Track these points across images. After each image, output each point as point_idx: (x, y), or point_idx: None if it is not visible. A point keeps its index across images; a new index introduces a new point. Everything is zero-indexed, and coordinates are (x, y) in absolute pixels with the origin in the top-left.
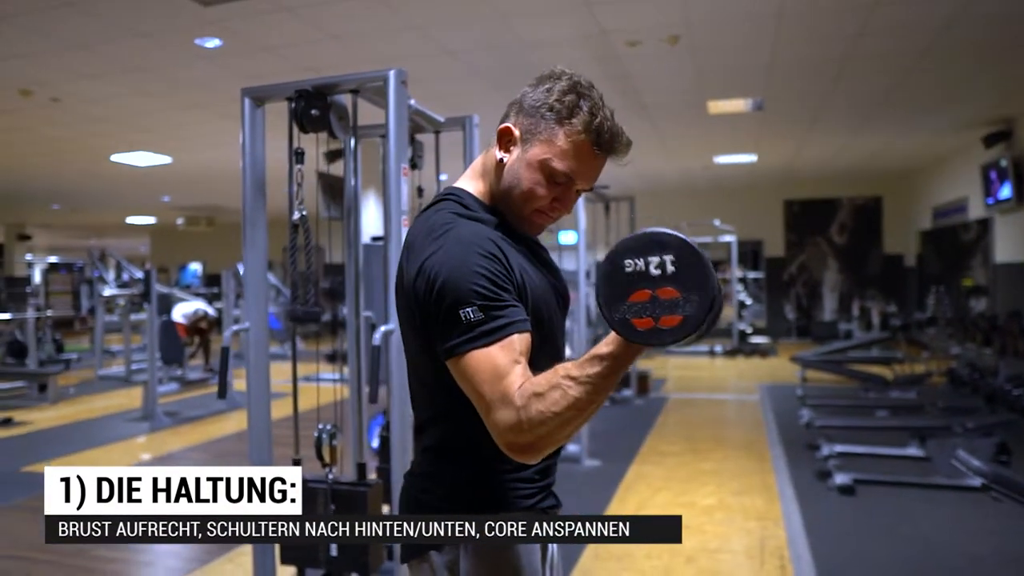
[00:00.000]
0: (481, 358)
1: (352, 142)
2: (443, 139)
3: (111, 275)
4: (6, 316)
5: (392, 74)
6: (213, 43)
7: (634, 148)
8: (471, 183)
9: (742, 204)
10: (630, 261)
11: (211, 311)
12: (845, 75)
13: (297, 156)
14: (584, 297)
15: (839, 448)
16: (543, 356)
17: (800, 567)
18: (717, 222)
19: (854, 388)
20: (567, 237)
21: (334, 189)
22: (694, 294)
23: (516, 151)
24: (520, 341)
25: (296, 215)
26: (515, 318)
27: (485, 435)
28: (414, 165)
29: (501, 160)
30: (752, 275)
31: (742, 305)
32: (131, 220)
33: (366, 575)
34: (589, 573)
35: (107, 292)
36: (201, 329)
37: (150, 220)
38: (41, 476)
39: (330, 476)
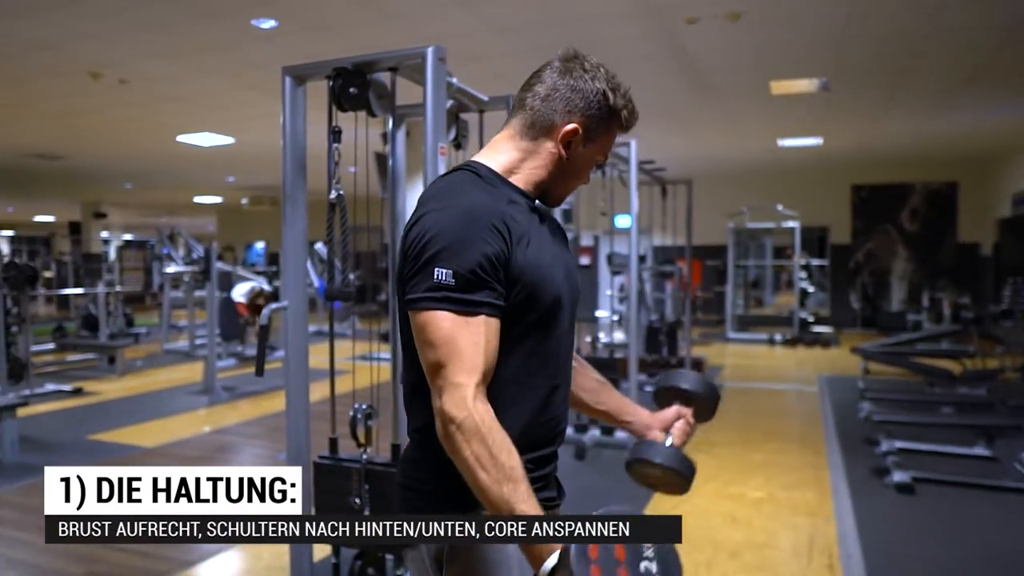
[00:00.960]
0: (445, 324)
1: (391, 121)
2: (489, 119)
3: (180, 253)
4: (77, 291)
5: (430, 51)
6: (269, 24)
7: (694, 129)
8: (491, 157)
9: (807, 188)
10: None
11: (268, 288)
12: (924, 52)
13: (335, 135)
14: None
15: (899, 444)
16: (544, 336)
17: (849, 567)
18: (780, 207)
19: (919, 382)
20: (622, 221)
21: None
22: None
23: (580, 149)
24: (488, 327)
25: (333, 194)
26: (489, 300)
27: None
28: (458, 145)
29: (561, 157)
30: (816, 262)
31: (804, 293)
32: (199, 199)
33: (398, 556)
34: None
35: (170, 269)
36: (259, 306)
37: (217, 200)
38: (104, 444)
39: (364, 456)
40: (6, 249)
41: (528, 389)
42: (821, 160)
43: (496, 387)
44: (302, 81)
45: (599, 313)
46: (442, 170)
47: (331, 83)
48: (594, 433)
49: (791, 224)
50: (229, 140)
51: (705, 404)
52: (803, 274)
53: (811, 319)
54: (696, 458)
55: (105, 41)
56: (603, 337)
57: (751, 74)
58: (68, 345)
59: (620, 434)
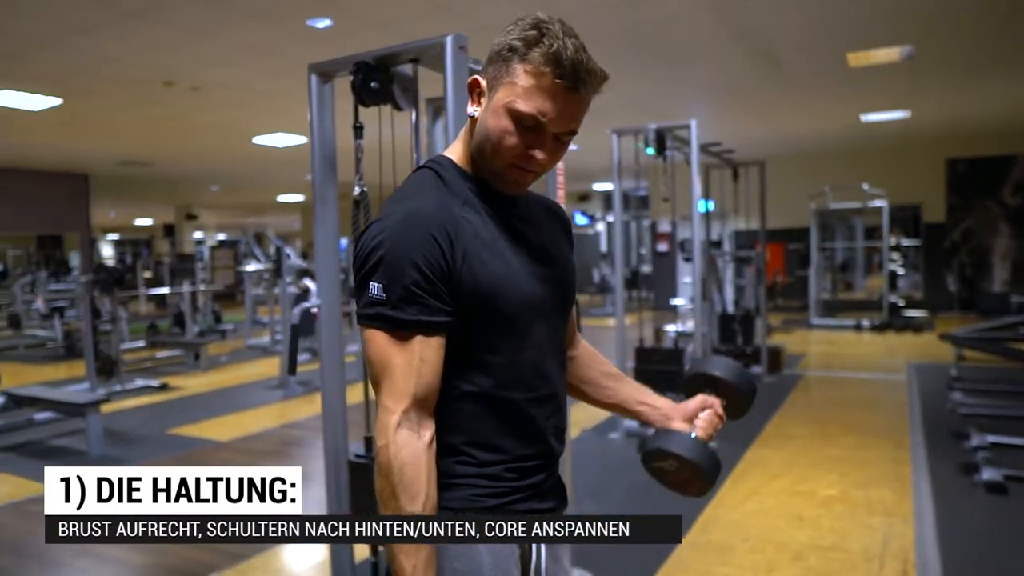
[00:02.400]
0: (379, 342)
1: (414, 114)
2: None
3: (270, 251)
4: (166, 290)
5: (449, 39)
6: (324, 23)
7: (765, 108)
8: (455, 148)
9: (895, 165)
10: None
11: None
12: (1021, 9)
13: (356, 131)
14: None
15: (991, 439)
16: (513, 347)
17: (926, 574)
18: (866, 186)
19: (1019, 370)
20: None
21: None
22: None
23: (484, 102)
24: (423, 346)
25: (357, 191)
26: (423, 317)
27: (439, 418)
28: None
29: (473, 116)
30: (908, 243)
31: (893, 276)
32: (282, 198)
33: None
34: (685, 564)
35: (250, 268)
36: None
37: (299, 198)
38: (182, 438)
39: None
40: (111, 251)
41: (502, 404)
42: (909, 134)
43: (464, 403)
44: (328, 78)
45: (676, 301)
46: None
47: (352, 78)
48: None
49: (879, 203)
50: (302, 139)
51: (738, 395)
52: (895, 255)
53: (902, 303)
54: (766, 453)
55: (169, 51)
56: (677, 327)
57: (824, 46)
58: (158, 342)
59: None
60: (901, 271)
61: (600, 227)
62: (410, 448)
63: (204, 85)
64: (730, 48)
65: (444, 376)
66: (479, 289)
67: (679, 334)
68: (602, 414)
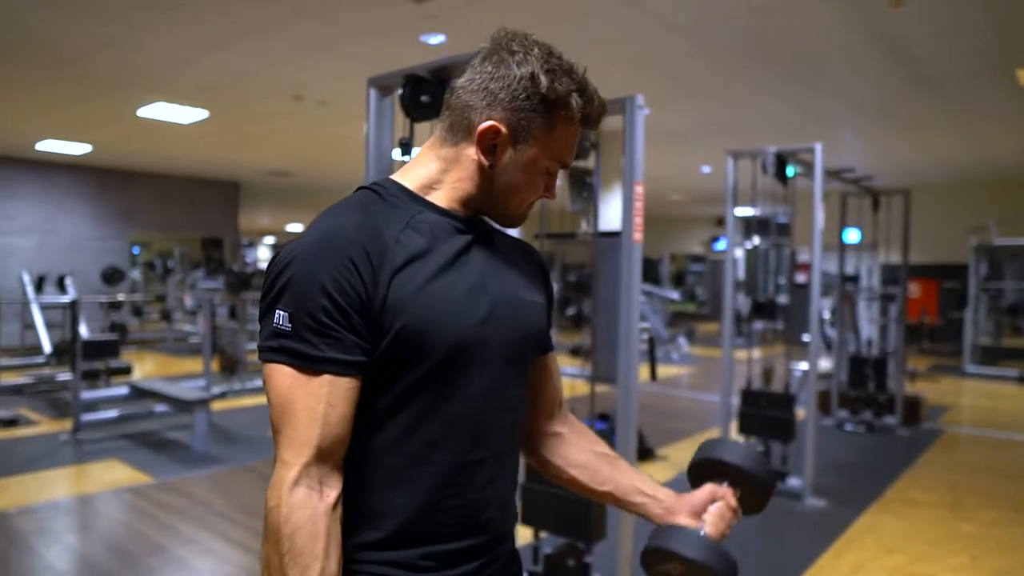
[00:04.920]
0: (282, 380)
1: None
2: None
3: None
4: None
5: None
6: (438, 39)
7: (913, 130)
8: (408, 172)
9: None
10: None
11: None
12: None
13: (403, 147)
14: (815, 302)
15: None
16: (442, 395)
17: None
18: None
19: None
20: (851, 235)
21: (582, 182)
22: None
23: (508, 153)
24: (332, 387)
25: None
26: (335, 356)
27: (350, 478)
28: (576, 155)
29: (489, 166)
30: None
31: None
32: None
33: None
34: None
35: None
36: None
37: None
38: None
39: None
40: (267, 254)
41: (423, 463)
42: None
43: (377, 458)
44: (387, 91)
45: (807, 337)
46: None
47: (401, 92)
48: None
49: None
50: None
51: (754, 488)
52: None
53: None
54: (883, 520)
55: (292, 67)
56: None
57: (985, 61)
58: None
59: (794, 481)
60: None
61: (738, 253)
62: (307, 511)
63: (330, 99)
64: (867, 64)
65: (358, 427)
66: (405, 324)
67: (803, 374)
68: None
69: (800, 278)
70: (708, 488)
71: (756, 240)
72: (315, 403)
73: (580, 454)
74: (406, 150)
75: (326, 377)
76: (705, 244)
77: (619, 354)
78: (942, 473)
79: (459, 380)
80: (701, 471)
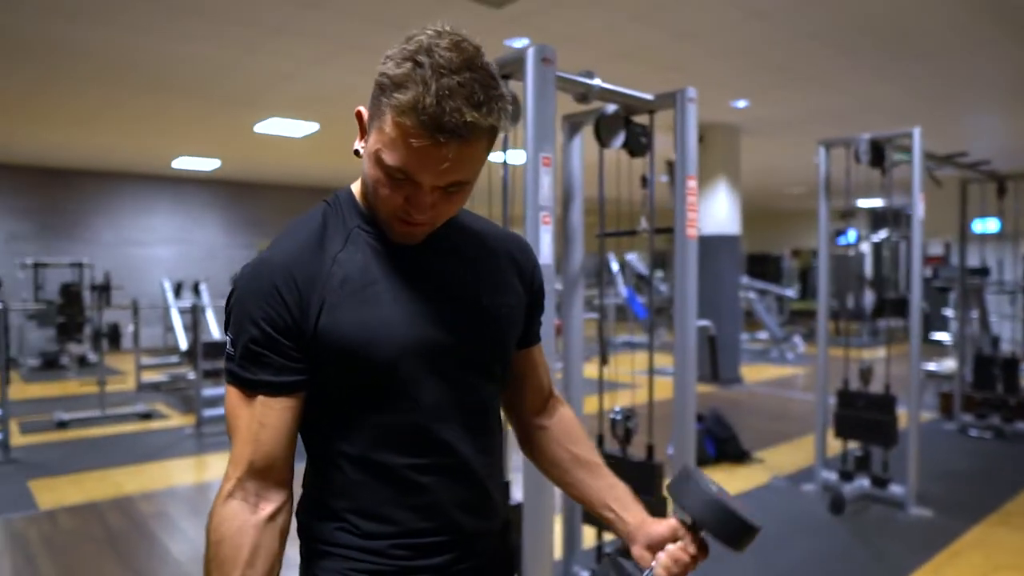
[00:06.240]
0: (230, 399)
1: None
2: (661, 118)
3: None
4: None
5: (531, 52)
6: (522, 42)
7: None
8: (360, 179)
9: None
10: None
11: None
12: None
13: None
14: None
15: None
16: (387, 408)
17: None
18: None
19: None
20: (987, 224)
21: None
22: None
23: (365, 142)
24: (264, 408)
25: None
26: (264, 378)
27: (323, 479)
28: (632, 152)
29: (355, 152)
30: None
31: None
32: None
33: None
34: None
35: None
36: None
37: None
38: None
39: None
40: None
41: (379, 468)
42: None
43: (344, 465)
44: None
45: (938, 336)
46: (544, 184)
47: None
48: (861, 483)
49: None
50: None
51: (716, 535)
52: None
53: None
54: (998, 533)
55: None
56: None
57: None
58: None
59: (896, 488)
60: None
61: (864, 248)
62: (236, 522)
63: None
64: (1006, 46)
65: (323, 435)
66: (342, 339)
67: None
68: (800, 458)
69: (929, 272)
70: (670, 524)
71: (883, 233)
72: (251, 422)
73: (557, 451)
74: None
75: (260, 398)
76: (830, 238)
77: (675, 351)
78: None
79: (408, 392)
80: (671, 498)
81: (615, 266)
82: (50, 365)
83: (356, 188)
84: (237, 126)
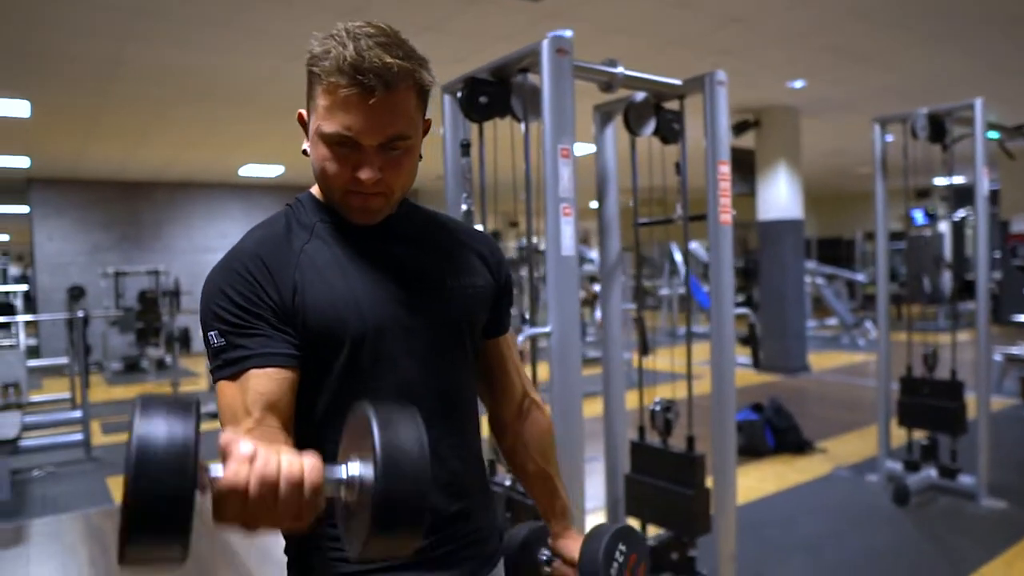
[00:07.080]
0: (224, 391)
1: (524, 126)
2: (691, 104)
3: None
4: None
5: (545, 43)
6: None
7: None
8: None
9: None
10: None
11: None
12: None
13: (464, 148)
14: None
15: None
16: (359, 379)
17: None
18: None
19: None
20: None
21: (741, 164)
22: None
23: (309, 134)
24: (256, 379)
25: (463, 207)
26: (254, 350)
27: None
28: (664, 139)
29: (303, 151)
30: None
31: None
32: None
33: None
34: None
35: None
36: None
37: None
38: None
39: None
40: None
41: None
42: None
43: (321, 445)
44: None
45: (1021, 317)
46: (564, 174)
47: (458, 95)
48: (928, 473)
49: None
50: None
51: None
52: None
53: None
54: None
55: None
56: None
57: None
58: None
59: (966, 478)
60: None
61: (943, 227)
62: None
63: None
64: None
65: (301, 414)
66: (313, 319)
67: (1007, 358)
68: (866, 448)
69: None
70: (572, 549)
71: (962, 212)
72: (245, 395)
73: (526, 462)
74: (466, 151)
75: (251, 372)
76: (904, 219)
77: (712, 340)
78: None
79: (376, 371)
80: None
81: (678, 256)
82: (131, 368)
83: (315, 189)
84: (294, 133)
